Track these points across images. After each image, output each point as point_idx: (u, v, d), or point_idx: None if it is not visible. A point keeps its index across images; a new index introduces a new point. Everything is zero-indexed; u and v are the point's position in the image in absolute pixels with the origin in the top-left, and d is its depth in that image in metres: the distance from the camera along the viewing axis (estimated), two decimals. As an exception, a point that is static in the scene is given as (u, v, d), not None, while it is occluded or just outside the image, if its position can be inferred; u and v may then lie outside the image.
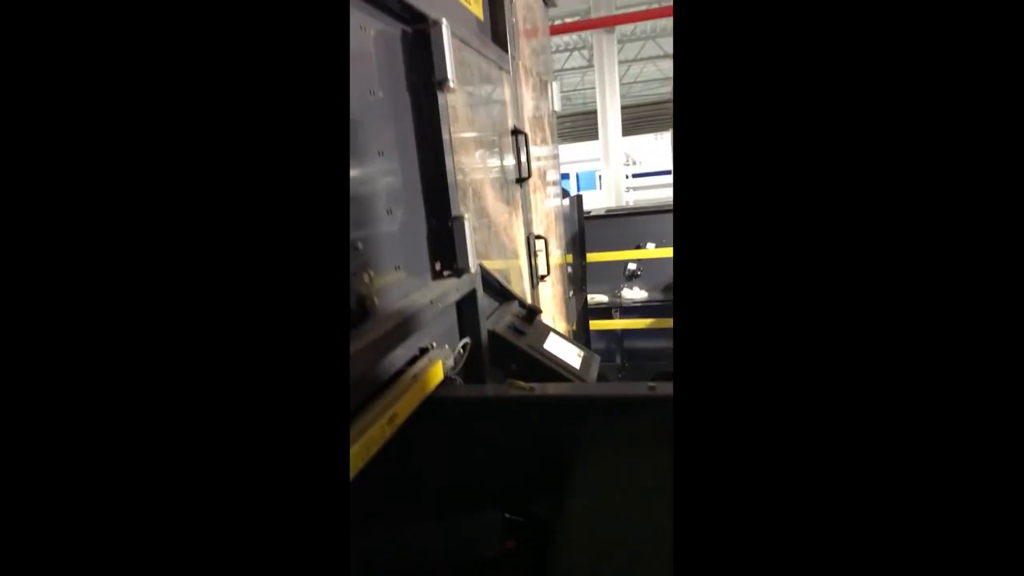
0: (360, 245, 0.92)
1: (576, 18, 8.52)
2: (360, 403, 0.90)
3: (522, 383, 1.19)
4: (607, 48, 7.66)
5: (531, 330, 1.60)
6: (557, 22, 8.48)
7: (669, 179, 9.55)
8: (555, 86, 2.57)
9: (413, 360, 1.12)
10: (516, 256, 1.83)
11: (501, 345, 1.48)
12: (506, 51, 1.74)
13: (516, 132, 1.81)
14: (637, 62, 11.53)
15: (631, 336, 4.31)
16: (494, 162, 1.63)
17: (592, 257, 4.13)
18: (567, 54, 11.04)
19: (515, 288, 1.75)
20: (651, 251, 4.22)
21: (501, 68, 1.70)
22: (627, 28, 9.47)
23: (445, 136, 1.17)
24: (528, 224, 1.95)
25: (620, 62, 9.00)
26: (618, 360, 4.34)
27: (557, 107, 2.58)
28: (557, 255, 2.54)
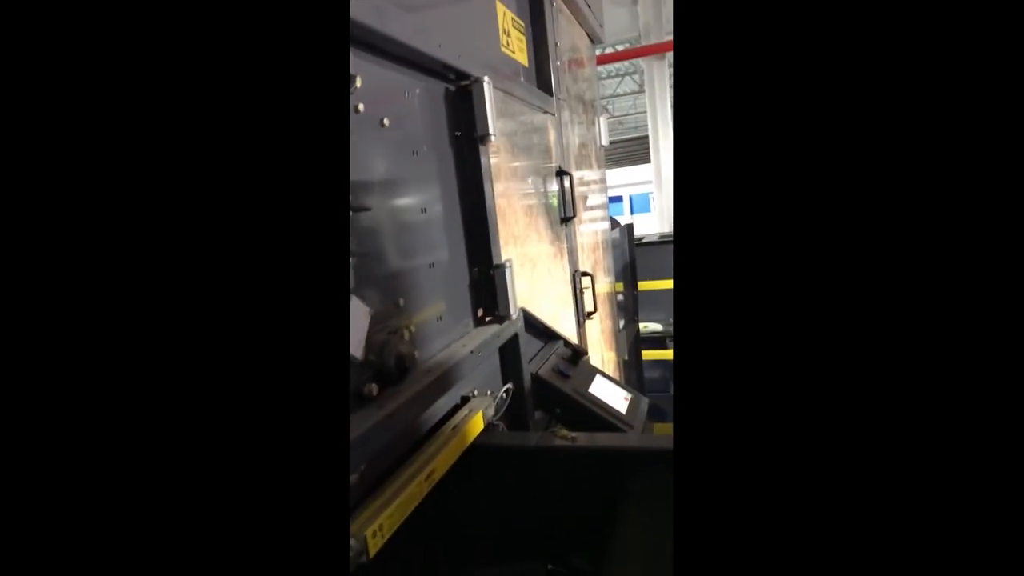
0: (402, 302, 0.94)
1: (626, 45, 8.55)
2: (398, 459, 0.92)
3: (566, 432, 1.18)
4: (658, 74, 7.65)
5: (576, 372, 1.59)
6: (609, 50, 8.52)
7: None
8: (603, 121, 2.58)
9: (454, 410, 1.13)
10: (562, 295, 1.83)
11: (545, 389, 1.48)
12: (551, 94, 1.77)
13: (561, 173, 1.82)
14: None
15: (686, 366, 4.18)
16: (539, 203, 1.65)
17: (644, 285, 4.06)
18: (618, 79, 11.06)
19: (562, 327, 1.74)
20: (705, 279, 4.10)
21: (545, 112, 1.73)
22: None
23: (487, 188, 1.19)
24: (574, 262, 1.95)
25: (672, 87, 8.94)
26: (672, 391, 4.23)
27: (605, 142, 2.58)
28: (606, 283, 2.52)
